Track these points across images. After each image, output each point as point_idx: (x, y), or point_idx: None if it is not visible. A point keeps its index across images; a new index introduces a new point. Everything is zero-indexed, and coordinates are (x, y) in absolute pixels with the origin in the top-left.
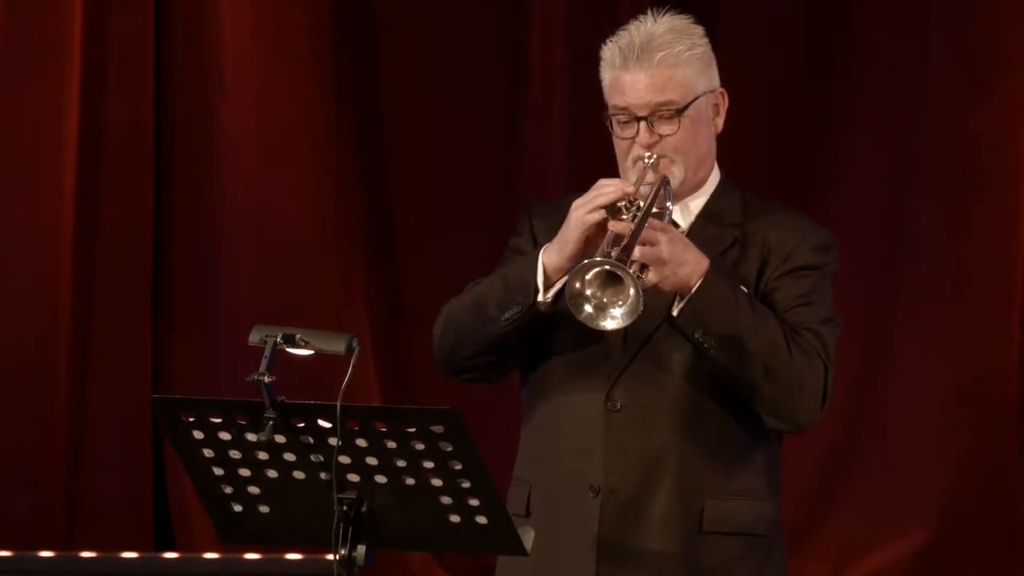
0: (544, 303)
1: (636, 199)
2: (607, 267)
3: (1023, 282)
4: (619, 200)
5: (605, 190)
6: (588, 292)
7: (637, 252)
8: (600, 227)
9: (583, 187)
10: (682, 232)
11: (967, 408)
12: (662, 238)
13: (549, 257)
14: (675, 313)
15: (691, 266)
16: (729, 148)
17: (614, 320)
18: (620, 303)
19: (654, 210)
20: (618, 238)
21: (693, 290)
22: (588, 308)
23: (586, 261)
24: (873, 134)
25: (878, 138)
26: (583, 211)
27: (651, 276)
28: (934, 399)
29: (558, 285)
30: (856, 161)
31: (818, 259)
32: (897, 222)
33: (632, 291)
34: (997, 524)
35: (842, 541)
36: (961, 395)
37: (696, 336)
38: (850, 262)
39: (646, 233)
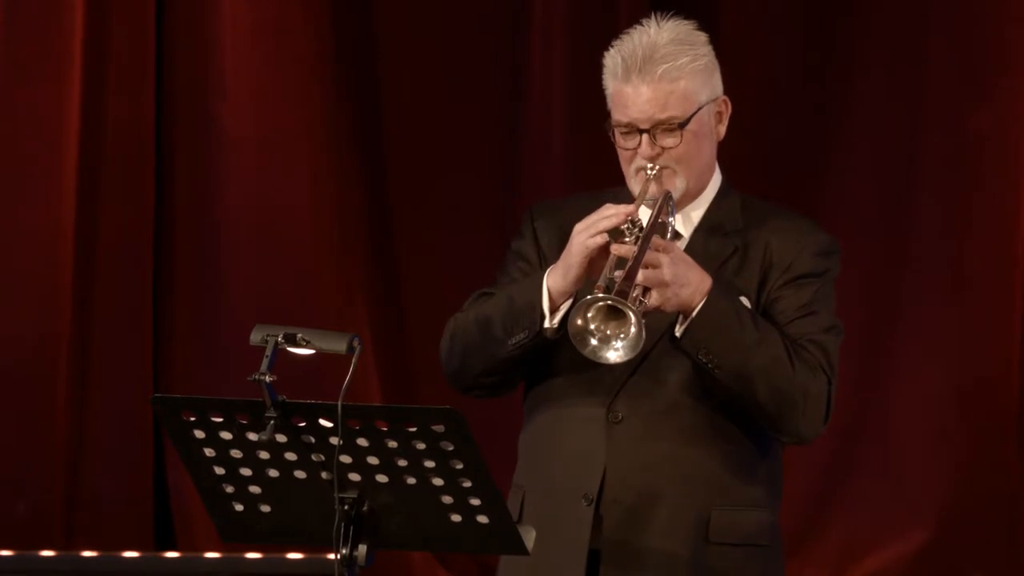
0: (551, 329)
1: (638, 220)
2: (609, 302)
3: (1023, 282)
4: (621, 224)
5: (607, 213)
6: (591, 327)
7: (639, 276)
8: (603, 249)
9: (583, 187)
10: (684, 241)
11: (967, 408)
12: (664, 260)
13: (554, 281)
14: (678, 334)
15: (693, 286)
16: (729, 148)
17: (617, 352)
18: (623, 335)
19: (657, 221)
20: (621, 261)
21: (696, 311)
22: (593, 342)
23: (588, 297)
24: (873, 134)
25: (878, 138)
26: (585, 236)
27: (653, 299)
28: (934, 399)
29: (563, 308)
30: (856, 161)
31: (820, 266)
32: (897, 222)
33: (634, 328)
34: (997, 524)
35: (842, 542)
36: (961, 395)
37: (699, 356)
38: (850, 262)
39: (648, 255)
